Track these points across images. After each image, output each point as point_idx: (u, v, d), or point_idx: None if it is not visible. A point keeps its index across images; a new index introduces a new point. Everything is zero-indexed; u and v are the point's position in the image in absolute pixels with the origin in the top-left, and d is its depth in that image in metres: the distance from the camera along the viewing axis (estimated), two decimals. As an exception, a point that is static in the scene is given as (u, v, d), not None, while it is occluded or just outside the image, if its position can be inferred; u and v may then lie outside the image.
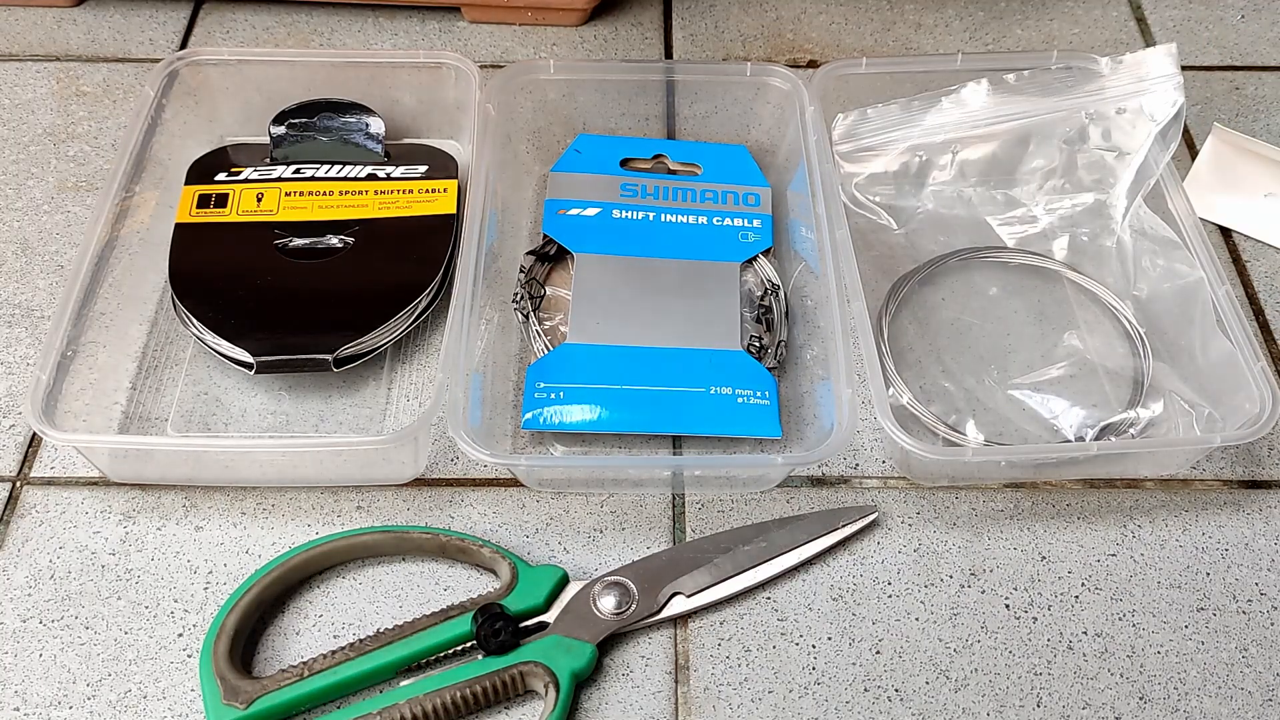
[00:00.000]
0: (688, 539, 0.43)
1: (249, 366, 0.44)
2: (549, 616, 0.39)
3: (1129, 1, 0.64)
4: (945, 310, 0.50)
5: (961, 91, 0.51)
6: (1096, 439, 0.45)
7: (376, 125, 0.52)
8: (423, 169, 0.52)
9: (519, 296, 0.48)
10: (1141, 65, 0.49)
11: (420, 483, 0.44)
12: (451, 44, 0.61)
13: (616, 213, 0.51)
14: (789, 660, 0.40)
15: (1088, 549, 0.43)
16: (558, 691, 0.37)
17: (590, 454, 0.45)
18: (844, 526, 0.42)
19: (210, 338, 0.45)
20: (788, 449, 0.45)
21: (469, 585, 0.41)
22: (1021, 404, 0.46)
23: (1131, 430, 0.45)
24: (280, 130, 0.52)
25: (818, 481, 0.45)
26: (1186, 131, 0.57)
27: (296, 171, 0.51)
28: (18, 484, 0.44)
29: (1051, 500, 0.44)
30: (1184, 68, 0.49)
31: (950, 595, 0.41)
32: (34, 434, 0.45)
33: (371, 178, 0.51)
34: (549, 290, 0.49)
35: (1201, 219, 0.50)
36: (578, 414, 0.44)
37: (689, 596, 0.40)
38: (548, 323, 0.48)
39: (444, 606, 0.39)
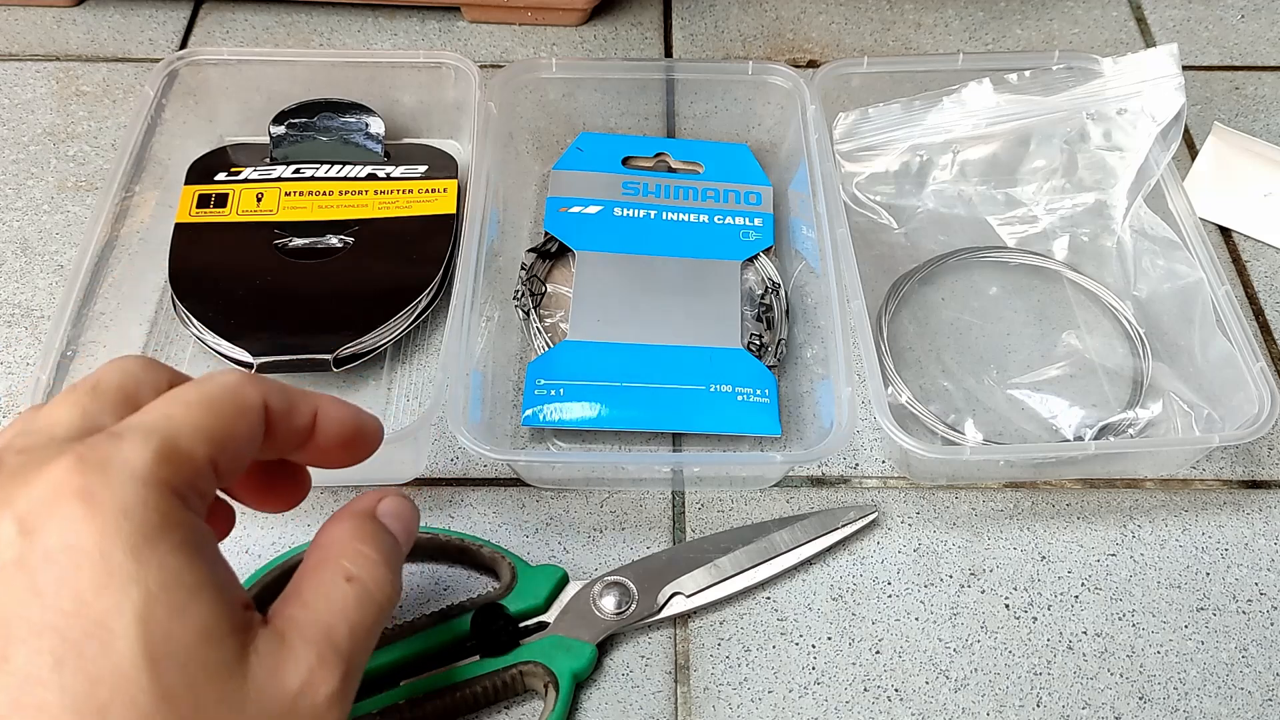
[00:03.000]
0: (688, 539, 0.43)
1: (249, 366, 0.44)
2: (549, 616, 0.39)
3: (1129, 1, 0.64)
4: (945, 310, 0.50)
5: (962, 91, 0.51)
6: (1095, 439, 0.45)
7: (376, 125, 0.52)
8: (423, 169, 0.52)
9: (520, 294, 0.48)
10: (1142, 65, 0.49)
11: (420, 483, 0.44)
12: (451, 44, 0.61)
13: (618, 211, 0.51)
14: (789, 660, 0.40)
15: (1088, 549, 0.43)
16: (557, 691, 0.37)
17: (590, 451, 0.45)
18: (844, 526, 0.42)
19: (210, 338, 0.45)
20: (787, 447, 0.45)
21: (468, 585, 0.41)
22: (1021, 403, 0.46)
23: (1131, 430, 0.45)
24: (280, 130, 0.52)
25: (817, 481, 0.45)
26: (1186, 131, 0.57)
27: (296, 171, 0.51)
28: (18, 483, 0.44)
29: (1051, 500, 0.44)
30: (1184, 68, 0.49)
31: (950, 595, 0.41)
32: (34, 433, 0.45)
33: (371, 178, 0.51)
34: (550, 287, 0.49)
35: (1201, 219, 0.50)
36: (578, 411, 0.44)
37: (689, 596, 0.40)
38: (548, 320, 0.48)
39: (443, 606, 0.39)
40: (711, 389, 0.45)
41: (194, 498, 0.25)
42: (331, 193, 0.51)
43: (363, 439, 0.30)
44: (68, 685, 0.22)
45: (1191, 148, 0.57)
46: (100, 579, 0.22)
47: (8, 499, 0.23)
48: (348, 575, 0.27)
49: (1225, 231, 0.53)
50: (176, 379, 0.28)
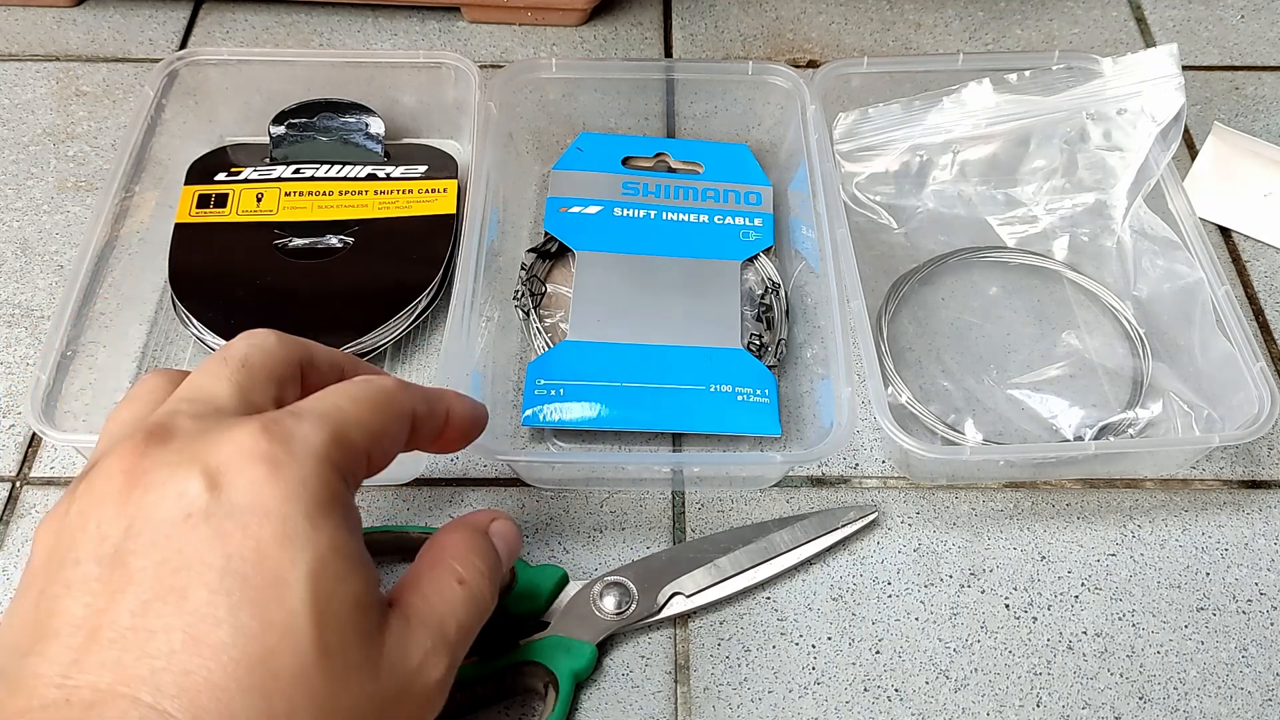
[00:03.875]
0: (688, 539, 0.43)
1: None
2: (549, 616, 0.39)
3: (1129, 1, 0.64)
4: (945, 310, 0.50)
5: (962, 91, 0.51)
6: (1095, 439, 0.45)
7: (376, 125, 0.52)
8: (422, 169, 0.52)
9: (520, 294, 0.48)
10: (1142, 65, 0.49)
11: (420, 483, 0.44)
12: (451, 44, 0.61)
13: (618, 211, 0.51)
14: (789, 660, 0.40)
15: (1088, 549, 0.43)
16: (557, 691, 0.37)
17: (590, 451, 0.45)
18: (844, 526, 0.42)
19: (210, 338, 0.45)
20: (787, 447, 0.45)
21: (469, 585, 0.41)
22: (1021, 403, 0.46)
23: (1130, 430, 0.45)
24: (280, 130, 0.52)
25: (817, 481, 0.45)
26: (1186, 131, 0.57)
27: (296, 171, 0.51)
28: (18, 484, 0.44)
29: (1051, 500, 0.44)
30: (1184, 68, 0.49)
31: (950, 595, 0.41)
32: (34, 434, 0.45)
33: (371, 178, 0.51)
34: (550, 287, 0.49)
35: (1201, 219, 0.50)
36: (578, 411, 0.44)
37: (689, 596, 0.40)
38: (548, 320, 0.48)
39: (444, 606, 0.39)
40: (711, 389, 0.45)
41: (352, 482, 0.28)
42: (331, 193, 0.51)
43: (476, 429, 0.34)
44: (242, 627, 0.24)
45: (1191, 148, 0.57)
46: (279, 537, 0.25)
47: (195, 455, 0.25)
48: (460, 579, 0.30)
49: (1225, 231, 0.53)
50: (305, 353, 0.31)
